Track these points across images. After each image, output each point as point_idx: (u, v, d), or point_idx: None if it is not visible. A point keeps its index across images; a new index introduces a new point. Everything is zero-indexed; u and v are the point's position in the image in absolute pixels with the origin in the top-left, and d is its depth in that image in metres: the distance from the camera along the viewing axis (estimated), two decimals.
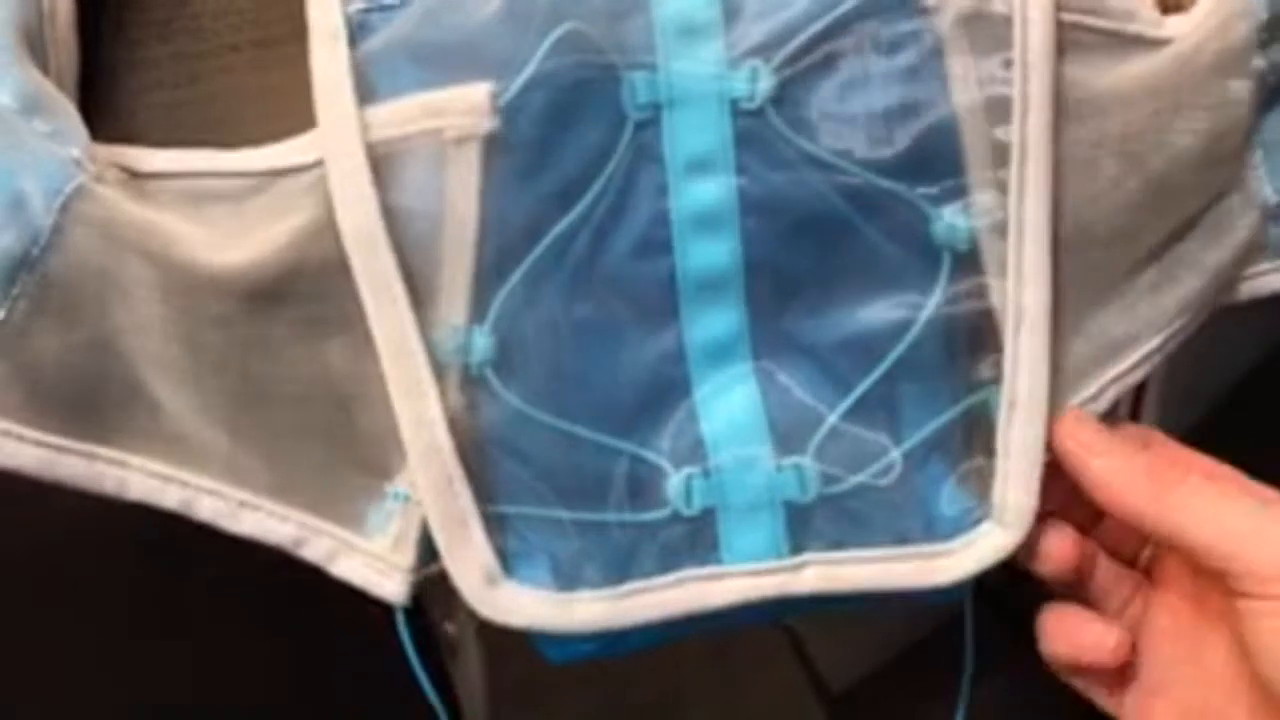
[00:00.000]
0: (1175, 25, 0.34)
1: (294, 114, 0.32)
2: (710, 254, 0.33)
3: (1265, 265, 0.35)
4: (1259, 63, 0.33)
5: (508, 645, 0.35)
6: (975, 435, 0.34)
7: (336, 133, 0.31)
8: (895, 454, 0.33)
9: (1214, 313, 0.35)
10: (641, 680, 0.85)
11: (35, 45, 0.32)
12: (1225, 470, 0.34)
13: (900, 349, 0.33)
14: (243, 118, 0.34)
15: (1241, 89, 0.33)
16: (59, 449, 0.32)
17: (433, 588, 0.33)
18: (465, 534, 0.32)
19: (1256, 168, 0.34)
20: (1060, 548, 0.34)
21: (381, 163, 0.31)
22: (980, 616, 0.38)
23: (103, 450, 0.32)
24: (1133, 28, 0.33)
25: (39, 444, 0.31)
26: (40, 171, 0.30)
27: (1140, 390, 0.41)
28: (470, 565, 0.32)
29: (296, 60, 0.32)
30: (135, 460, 0.32)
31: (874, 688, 0.70)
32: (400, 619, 0.33)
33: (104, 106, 0.33)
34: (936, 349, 0.33)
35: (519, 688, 0.89)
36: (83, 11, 0.33)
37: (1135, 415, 0.42)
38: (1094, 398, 0.34)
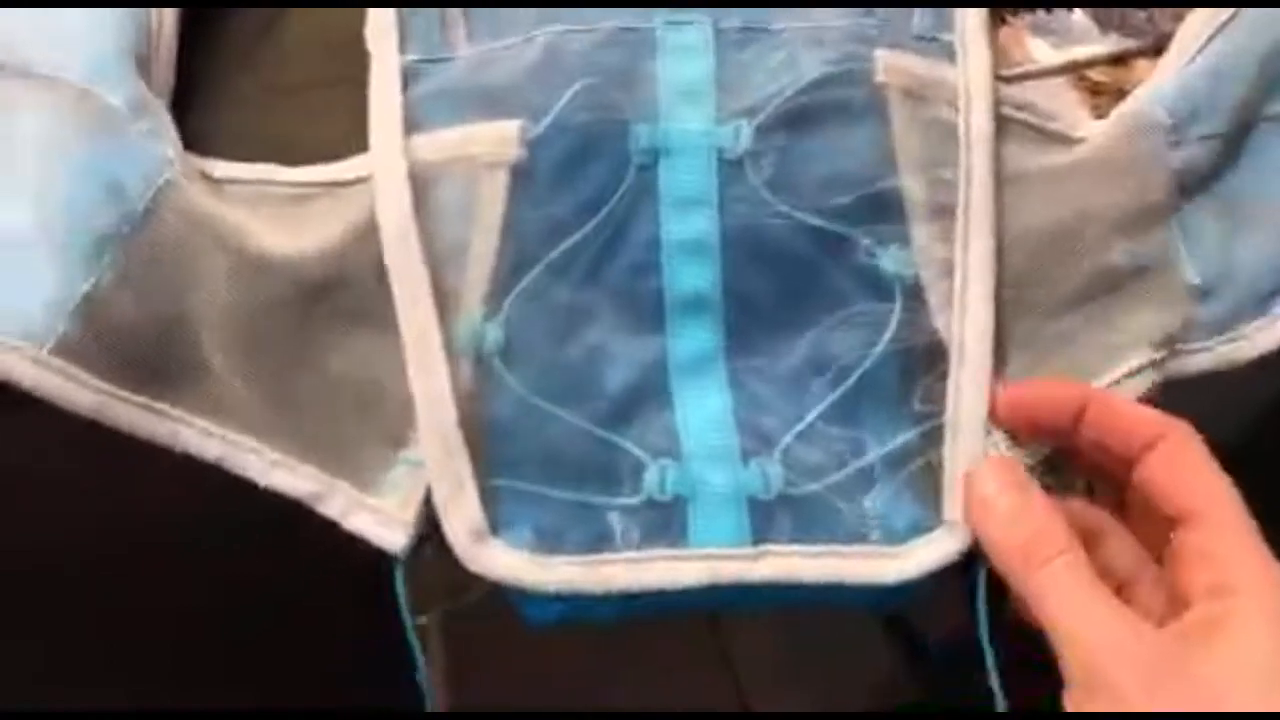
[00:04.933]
0: (1090, 128, 0.41)
1: (350, 149, 0.39)
2: (694, 278, 0.39)
3: (1195, 344, 0.39)
4: (1174, 162, 0.39)
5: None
6: (929, 452, 0.38)
7: (384, 152, 0.38)
8: (853, 466, 0.38)
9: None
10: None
11: (142, 63, 0.38)
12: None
13: (862, 370, 0.38)
14: (303, 145, 0.40)
15: (1157, 183, 0.39)
16: (113, 396, 0.36)
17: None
18: (460, 496, 0.37)
19: (1179, 251, 0.39)
20: None
21: (421, 180, 0.38)
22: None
23: (158, 405, 0.37)
24: (1053, 125, 0.40)
25: (98, 391, 0.36)
26: (139, 163, 0.36)
27: None
28: (462, 523, 0.37)
29: (357, 99, 0.39)
30: (187, 415, 0.37)
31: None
32: (398, 573, 0.37)
33: (188, 120, 0.39)
34: (894, 373, 0.38)
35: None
36: (181, 39, 0.40)
37: None
38: None
